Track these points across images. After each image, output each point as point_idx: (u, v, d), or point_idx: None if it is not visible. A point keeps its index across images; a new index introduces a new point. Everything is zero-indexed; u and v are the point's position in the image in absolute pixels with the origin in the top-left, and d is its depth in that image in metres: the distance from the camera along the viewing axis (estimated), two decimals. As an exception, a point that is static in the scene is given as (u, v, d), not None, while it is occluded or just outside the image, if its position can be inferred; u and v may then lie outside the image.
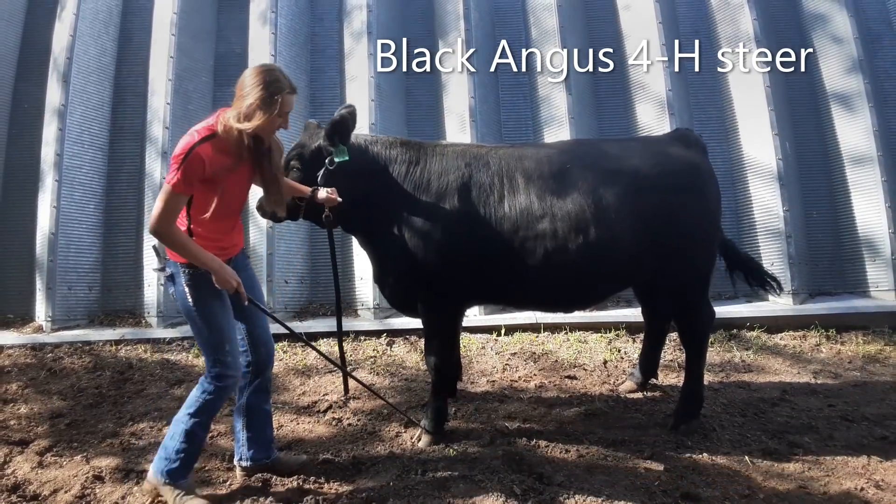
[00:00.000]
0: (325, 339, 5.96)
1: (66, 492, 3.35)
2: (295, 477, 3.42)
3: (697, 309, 4.10)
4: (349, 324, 6.26)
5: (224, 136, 3.03)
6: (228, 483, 3.40)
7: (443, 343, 3.97)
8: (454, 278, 3.81)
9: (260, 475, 3.44)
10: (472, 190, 3.81)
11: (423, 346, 5.68)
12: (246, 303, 3.17)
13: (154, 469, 3.23)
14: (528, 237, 3.72)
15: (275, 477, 3.43)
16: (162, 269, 3.24)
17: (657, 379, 4.71)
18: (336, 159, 3.69)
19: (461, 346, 4.91)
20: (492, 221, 3.75)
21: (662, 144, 4.19)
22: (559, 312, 4.39)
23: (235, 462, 3.48)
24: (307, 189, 3.68)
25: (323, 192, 3.64)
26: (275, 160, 3.29)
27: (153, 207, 3.00)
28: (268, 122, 3.05)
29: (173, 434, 3.21)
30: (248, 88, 3.04)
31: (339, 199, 3.64)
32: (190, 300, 3.13)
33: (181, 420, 3.20)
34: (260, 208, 3.89)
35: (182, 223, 3.12)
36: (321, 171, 3.73)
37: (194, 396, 3.22)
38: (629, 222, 3.76)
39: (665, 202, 3.84)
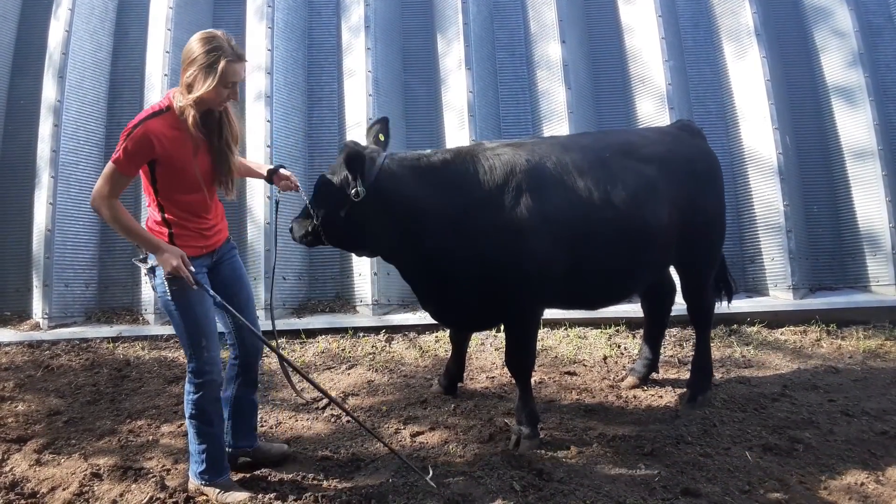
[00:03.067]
0: (323, 336, 5.96)
1: (64, 489, 3.33)
2: (294, 473, 3.41)
3: (708, 286, 4.40)
4: (348, 320, 6.24)
5: (176, 111, 2.96)
6: (227, 480, 3.38)
7: (534, 346, 3.98)
8: (545, 278, 3.68)
9: (259, 472, 3.43)
10: (542, 185, 3.67)
11: (421, 343, 5.71)
12: (194, 287, 3.06)
13: (190, 473, 3.27)
14: (598, 224, 3.73)
15: (274, 474, 3.42)
16: (143, 261, 3.21)
17: (658, 373, 4.70)
18: (360, 190, 3.50)
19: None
20: (565, 215, 3.66)
21: (677, 134, 4.37)
22: (609, 305, 4.41)
23: None
24: (263, 170, 3.61)
25: (283, 171, 3.56)
26: (225, 134, 3.14)
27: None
28: (212, 92, 2.92)
29: (189, 437, 3.25)
30: (191, 58, 2.94)
31: (297, 186, 3.56)
32: (168, 293, 3.10)
33: (188, 423, 3.23)
34: (291, 231, 3.87)
35: (156, 215, 3.13)
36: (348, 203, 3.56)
37: (185, 398, 3.24)
38: (666, 206, 3.92)
39: (689, 186, 4.06)
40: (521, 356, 3.85)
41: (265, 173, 3.59)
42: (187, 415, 3.22)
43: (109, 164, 2.99)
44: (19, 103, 7.16)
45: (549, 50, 7.19)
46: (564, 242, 3.66)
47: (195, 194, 3.14)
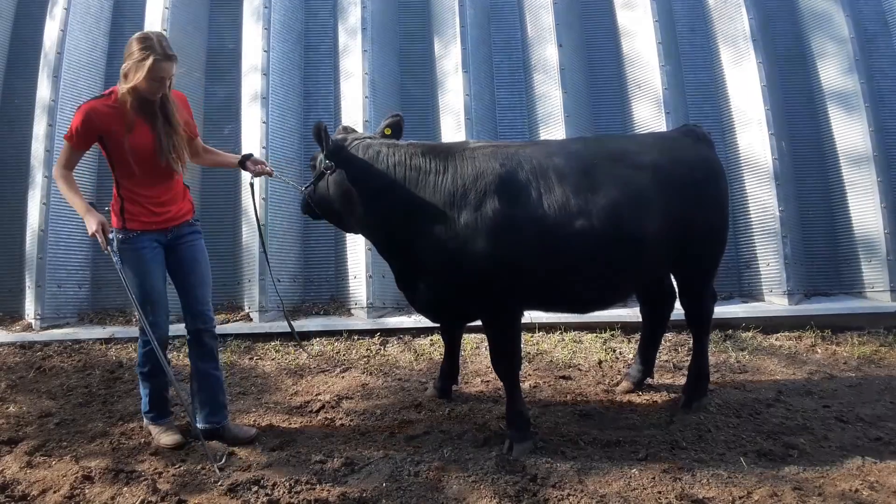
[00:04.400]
0: (317, 339, 5.93)
1: (55, 492, 3.30)
2: (287, 477, 3.38)
3: (706, 292, 4.35)
4: (342, 322, 6.22)
5: (118, 97, 3.53)
6: (219, 483, 3.36)
7: (515, 347, 3.89)
8: (509, 282, 3.68)
9: (252, 475, 3.40)
10: (511, 190, 3.67)
11: (416, 347, 5.70)
12: (105, 251, 3.64)
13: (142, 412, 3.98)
14: (569, 235, 3.66)
15: (267, 477, 3.39)
16: (109, 244, 3.68)
17: (653, 378, 4.70)
18: (326, 162, 3.87)
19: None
20: (533, 221, 3.64)
21: (677, 140, 4.31)
22: (590, 312, 4.37)
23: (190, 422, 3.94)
24: (233, 158, 4.17)
25: (255, 158, 4.12)
26: (172, 120, 3.65)
27: None
28: (142, 83, 3.44)
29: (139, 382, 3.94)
30: (128, 52, 3.48)
31: (270, 171, 4.09)
32: (119, 261, 3.66)
33: (137, 371, 3.92)
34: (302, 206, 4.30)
35: (114, 189, 3.72)
36: (317, 173, 3.97)
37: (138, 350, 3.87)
38: (656, 216, 3.85)
39: (686, 194, 3.98)
40: (500, 358, 3.87)
41: (237, 161, 4.12)
42: (136, 364, 3.91)
43: (65, 141, 3.65)
44: (13, 103, 7.13)
45: (546, 53, 7.21)
46: (534, 247, 3.64)
47: (139, 167, 3.64)
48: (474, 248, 3.60)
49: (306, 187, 4.07)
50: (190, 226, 3.90)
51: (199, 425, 3.79)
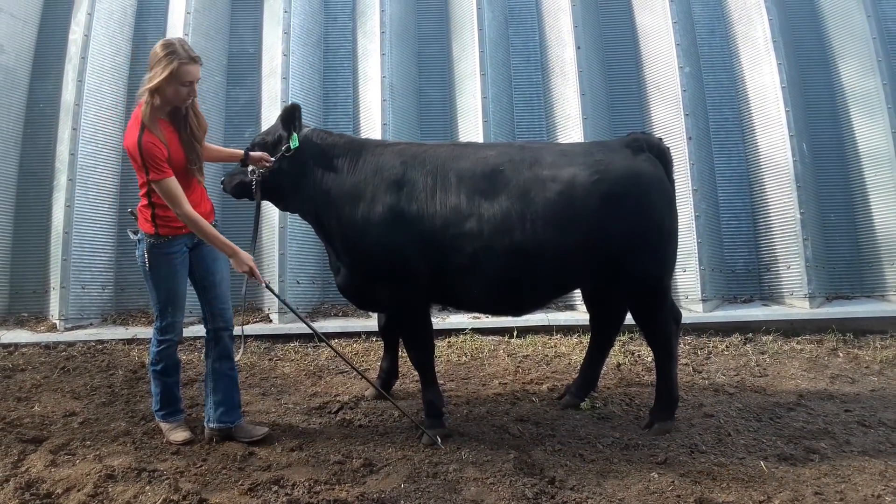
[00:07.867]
0: (336, 340, 5.96)
1: (78, 490, 3.34)
2: (306, 478, 3.41)
3: (655, 312, 4.05)
4: (361, 324, 6.25)
5: (146, 113, 3.54)
6: (240, 483, 3.40)
7: (424, 339, 4.07)
8: (402, 275, 3.88)
9: (272, 475, 3.43)
10: (404, 187, 3.87)
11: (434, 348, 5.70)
12: (263, 284, 3.84)
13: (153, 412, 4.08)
14: (457, 236, 3.77)
15: (286, 477, 3.42)
16: (135, 233, 3.85)
17: (596, 391, 4.59)
18: (291, 145, 4.05)
19: (473, 347, 4.86)
20: (423, 219, 3.81)
21: (605, 151, 4.00)
22: (499, 315, 4.37)
23: (205, 423, 3.99)
24: (239, 152, 4.20)
25: (256, 153, 4.14)
26: (192, 126, 3.73)
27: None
28: (170, 88, 3.51)
29: (151, 381, 4.05)
30: (155, 59, 3.54)
31: (272, 160, 4.08)
32: (147, 265, 3.77)
33: (149, 370, 4.01)
34: (223, 183, 4.44)
35: (144, 198, 3.73)
36: (278, 156, 4.09)
37: (150, 349, 3.98)
38: (560, 228, 3.73)
39: (600, 210, 3.77)
40: (410, 348, 4.13)
41: (241, 156, 4.19)
42: (149, 362, 4.00)
43: (159, 185, 3.54)
44: (39, 106, 7.24)
45: (564, 56, 7.20)
46: (422, 244, 3.81)
47: (178, 177, 3.68)
48: (367, 239, 3.88)
49: (270, 166, 4.12)
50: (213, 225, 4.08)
51: (212, 425, 3.92)
